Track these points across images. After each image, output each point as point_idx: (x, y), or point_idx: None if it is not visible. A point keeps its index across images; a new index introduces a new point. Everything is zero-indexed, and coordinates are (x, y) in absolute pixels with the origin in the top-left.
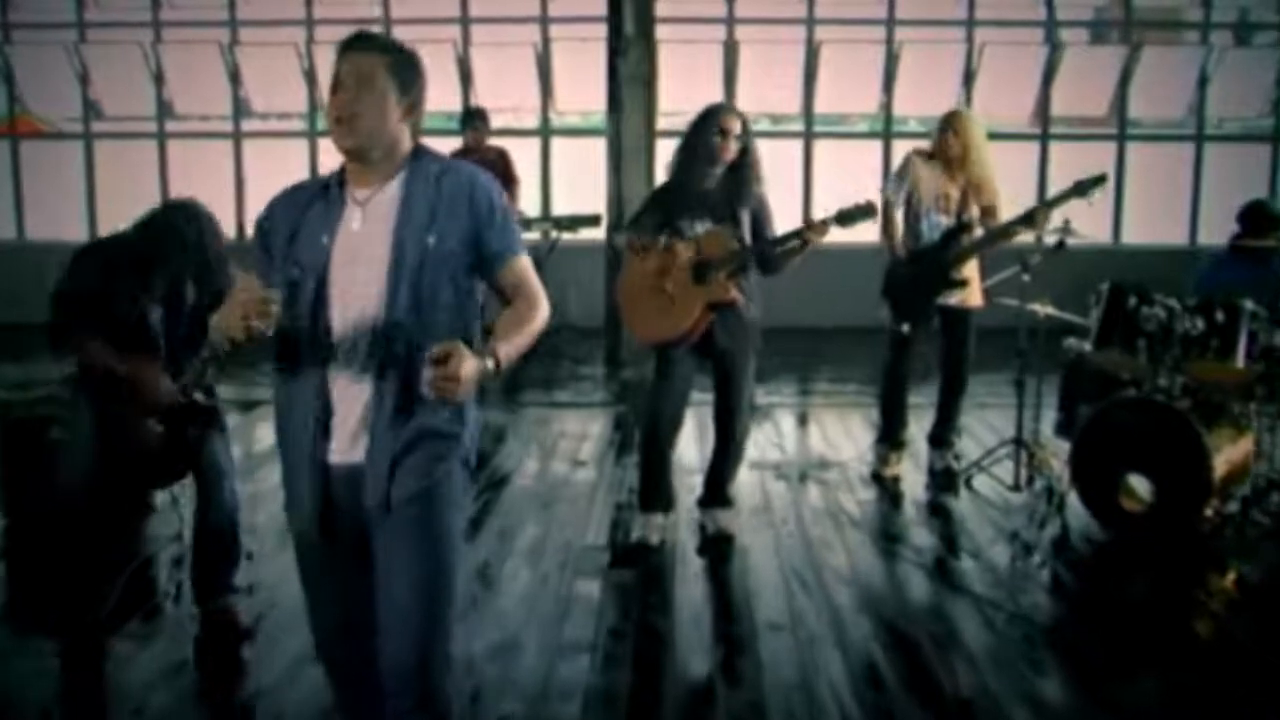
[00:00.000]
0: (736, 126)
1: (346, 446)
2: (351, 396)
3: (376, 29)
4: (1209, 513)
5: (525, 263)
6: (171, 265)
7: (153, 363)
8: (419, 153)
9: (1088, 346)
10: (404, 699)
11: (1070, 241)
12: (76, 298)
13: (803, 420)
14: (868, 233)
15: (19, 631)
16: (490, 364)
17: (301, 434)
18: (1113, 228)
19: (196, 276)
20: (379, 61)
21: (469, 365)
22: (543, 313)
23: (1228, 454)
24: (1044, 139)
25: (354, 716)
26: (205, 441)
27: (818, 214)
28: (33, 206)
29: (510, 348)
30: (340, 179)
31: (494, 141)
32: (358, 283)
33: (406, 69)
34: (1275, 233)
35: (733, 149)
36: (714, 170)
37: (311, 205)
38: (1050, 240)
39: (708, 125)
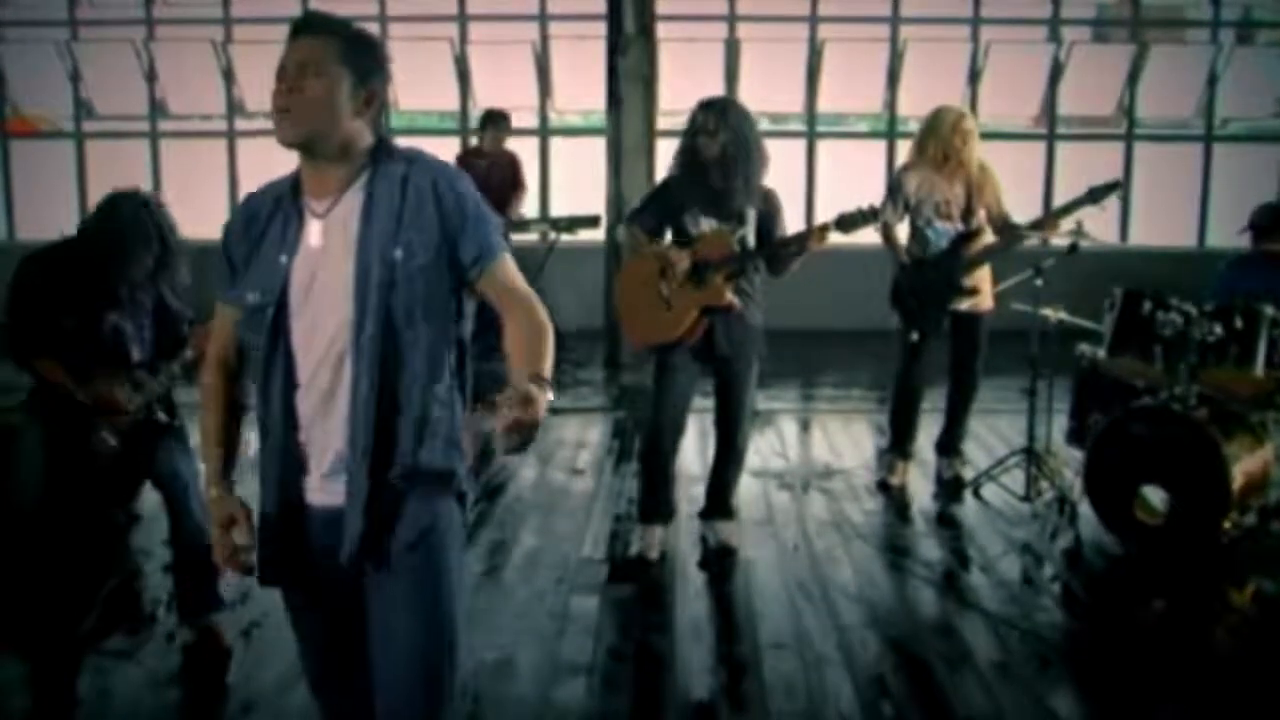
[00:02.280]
0: (711, 123)
1: (322, 487)
2: (324, 432)
3: (373, 26)
4: (1227, 525)
5: (508, 264)
6: (132, 261)
7: (114, 379)
8: (381, 151)
9: (1101, 353)
10: None
11: (1084, 244)
12: (26, 312)
13: (806, 426)
14: (871, 235)
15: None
16: (538, 385)
17: (270, 470)
18: (1120, 229)
19: (155, 272)
20: (329, 45)
21: (542, 406)
22: (542, 311)
23: (1246, 465)
24: (1050, 139)
25: None
26: (164, 455)
27: (819, 219)
28: (23, 206)
29: (544, 364)
30: (295, 187)
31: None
32: (320, 307)
33: (363, 54)
34: None
35: (714, 145)
36: (710, 166)
37: (271, 220)
38: (1063, 244)
39: (689, 124)
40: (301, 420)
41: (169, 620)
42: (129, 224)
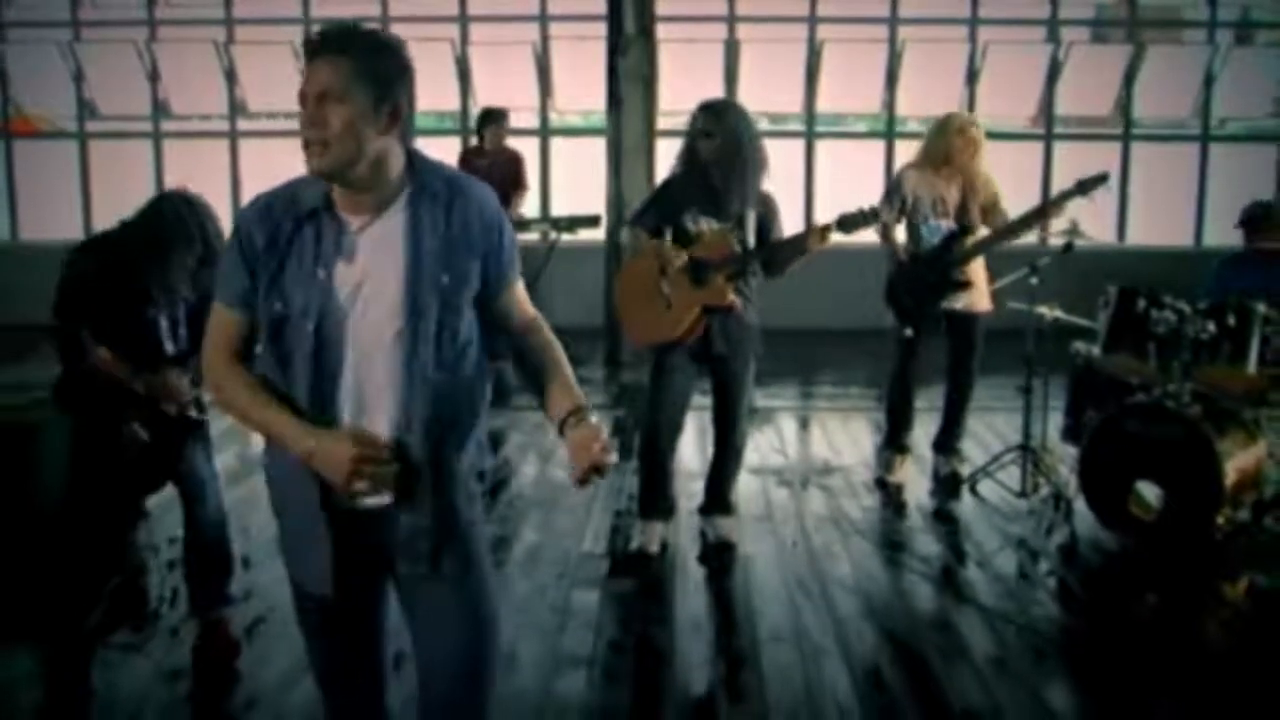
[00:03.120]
0: (710, 125)
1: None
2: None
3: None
4: (1220, 521)
5: (520, 285)
6: (171, 262)
7: (166, 370)
8: (417, 167)
9: (1096, 351)
10: None
11: (1076, 243)
12: (78, 299)
13: (805, 424)
14: (868, 235)
15: (6, 640)
16: (593, 416)
17: (305, 486)
18: (1117, 228)
19: (196, 271)
20: (345, 67)
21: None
22: (548, 328)
23: (1239, 461)
24: (1048, 139)
25: None
26: (189, 453)
27: (819, 219)
28: (27, 206)
29: (574, 380)
30: (328, 201)
31: (505, 143)
32: (365, 324)
33: (383, 68)
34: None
35: (713, 147)
36: (709, 167)
37: (299, 231)
38: (1058, 242)
39: (690, 126)
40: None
41: (174, 615)
42: (170, 224)
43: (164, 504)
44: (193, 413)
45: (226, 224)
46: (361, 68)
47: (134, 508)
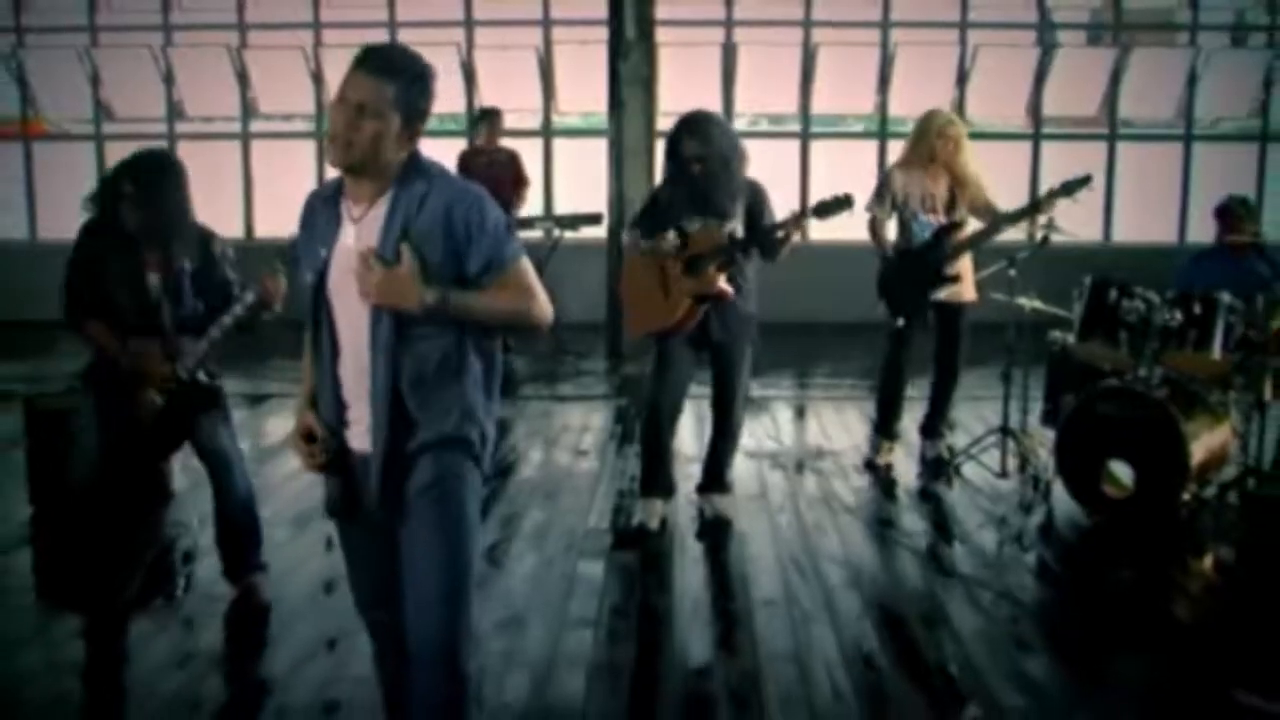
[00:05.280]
0: (694, 147)
1: (359, 437)
2: (358, 395)
3: (382, 32)
4: (1186, 497)
5: (521, 270)
6: (166, 228)
7: (150, 349)
8: (411, 168)
9: (1072, 339)
10: (429, 677)
11: (1057, 238)
12: (77, 273)
13: (800, 413)
14: (864, 232)
15: (45, 615)
16: (435, 299)
17: (326, 421)
18: (1104, 226)
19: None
20: (388, 89)
21: (399, 283)
22: (525, 304)
23: (1205, 441)
24: (1036, 139)
25: (389, 669)
26: (210, 431)
27: (799, 208)
28: (45, 207)
29: (467, 299)
30: (339, 190)
31: (500, 142)
32: (351, 299)
33: (416, 98)
34: (1248, 227)
35: (698, 165)
36: (696, 178)
37: (320, 214)
38: (1037, 235)
39: (672, 140)
40: (343, 384)
41: (202, 586)
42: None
43: (192, 485)
44: (201, 377)
45: (238, 224)
46: (401, 96)
47: (160, 486)
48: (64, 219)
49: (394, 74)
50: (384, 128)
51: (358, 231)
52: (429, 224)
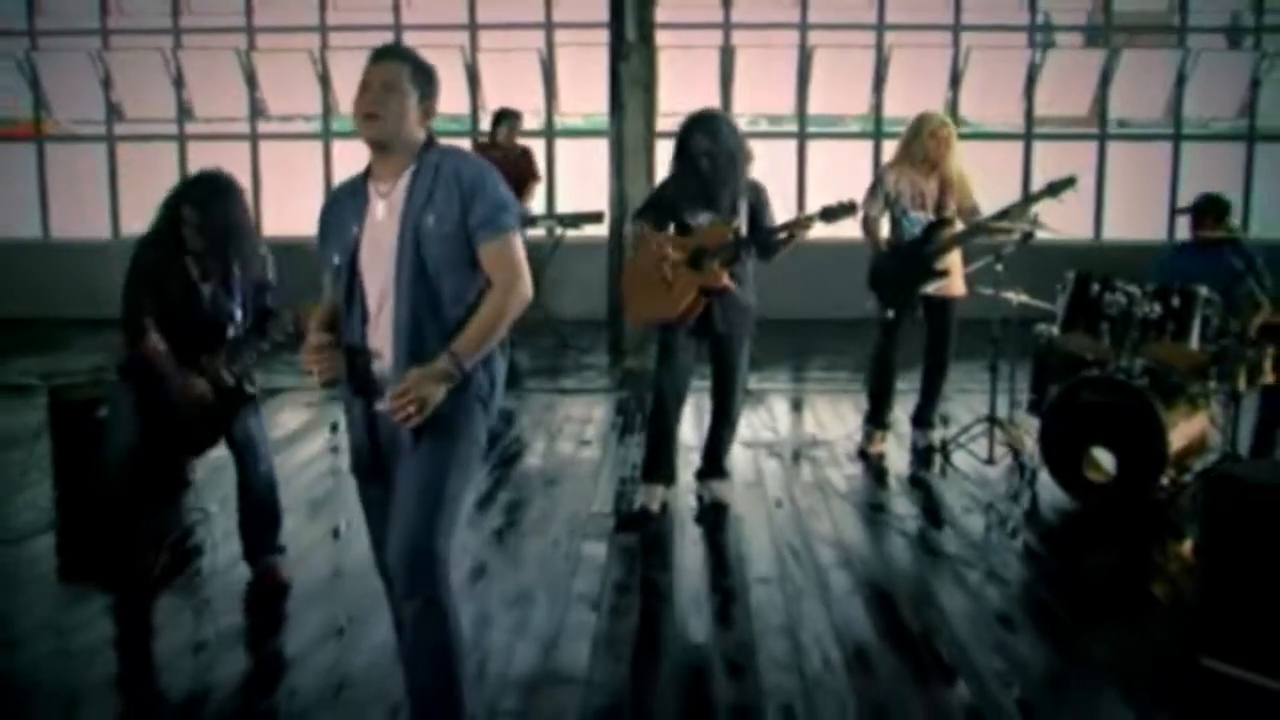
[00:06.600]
0: (704, 143)
1: (389, 399)
2: (384, 360)
3: (387, 35)
4: (1165, 483)
5: (505, 245)
6: (219, 243)
7: (199, 374)
8: (428, 146)
9: (1056, 331)
10: (402, 584)
11: (1044, 235)
12: (136, 286)
13: (796, 405)
14: (859, 231)
15: (67, 596)
16: (452, 366)
17: (354, 390)
18: (1094, 224)
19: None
20: (403, 69)
21: (426, 388)
22: (510, 297)
23: (1183, 429)
24: (1028, 138)
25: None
26: (241, 421)
27: (806, 211)
28: (57, 207)
29: (469, 345)
30: (367, 174)
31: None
32: (379, 263)
33: (426, 78)
34: (1224, 223)
35: (707, 160)
36: (704, 173)
37: (347, 200)
38: (1023, 230)
39: (682, 136)
40: (372, 353)
41: (222, 568)
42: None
43: (212, 471)
44: (246, 386)
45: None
46: (414, 73)
47: (180, 476)
48: (76, 219)
49: (405, 59)
50: (406, 101)
51: (387, 204)
52: (446, 187)
